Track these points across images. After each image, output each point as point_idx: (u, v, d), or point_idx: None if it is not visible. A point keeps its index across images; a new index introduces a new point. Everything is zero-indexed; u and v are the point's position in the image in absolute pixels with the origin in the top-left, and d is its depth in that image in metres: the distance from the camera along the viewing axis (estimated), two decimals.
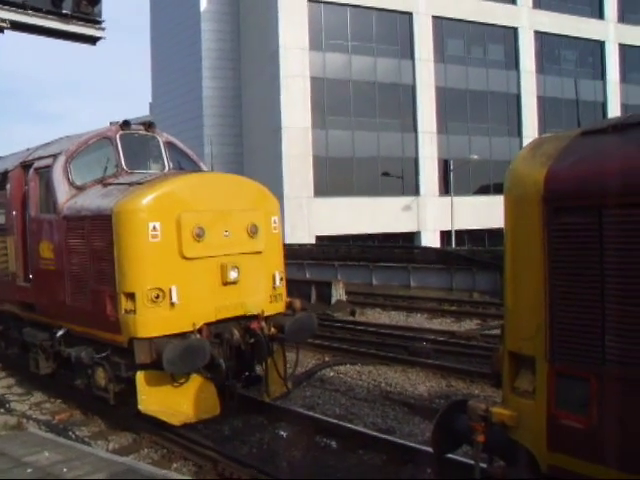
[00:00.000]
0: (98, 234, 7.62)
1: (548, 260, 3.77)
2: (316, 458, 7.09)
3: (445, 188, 40.15)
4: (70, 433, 7.94)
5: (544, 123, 43.55)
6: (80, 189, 8.40)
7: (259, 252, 8.10)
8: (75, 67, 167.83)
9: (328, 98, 37.88)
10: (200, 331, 7.32)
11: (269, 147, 38.20)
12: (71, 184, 8.45)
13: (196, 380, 7.46)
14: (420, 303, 18.88)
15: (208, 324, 7.51)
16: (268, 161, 37.70)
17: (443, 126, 40.93)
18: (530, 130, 42.20)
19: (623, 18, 47.40)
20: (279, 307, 8.39)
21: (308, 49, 37.46)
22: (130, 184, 7.70)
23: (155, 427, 7.64)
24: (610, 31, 46.85)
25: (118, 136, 8.71)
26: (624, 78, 47.74)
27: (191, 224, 7.34)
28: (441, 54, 41.36)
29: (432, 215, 39.98)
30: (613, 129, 3.84)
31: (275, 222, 8.50)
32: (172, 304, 7.17)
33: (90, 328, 7.87)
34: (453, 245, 36.81)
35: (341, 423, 7.86)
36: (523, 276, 4.00)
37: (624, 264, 3.47)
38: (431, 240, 38.90)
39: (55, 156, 8.73)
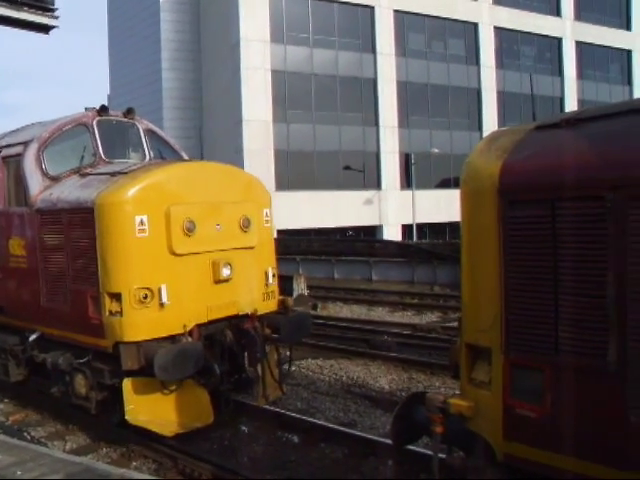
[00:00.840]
0: (78, 229, 7.02)
1: (503, 252, 3.82)
2: (278, 452, 7.07)
3: (407, 182, 40.48)
4: (25, 434, 7.70)
5: (503, 117, 44.26)
6: (55, 180, 7.72)
7: (252, 247, 7.59)
8: (30, 57, 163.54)
9: (289, 91, 37.74)
10: (191, 333, 6.82)
11: (230, 140, 37.89)
12: (45, 174, 7.75)
13: (188, 386, 6.94)
14: (381, 296, 19.01)
15: (199, 325, 7.00)
16: (229, 154, 37.38)
17: (404, 120, 41.22)
18: (490, 124, 42.80)
19: (579, 16, 48.41)
20: (272, 305, 7.89)
21: (269, 42, 37.23)
22: (112, 174, 7.10)
23: (113, 426, 7.44)
24: (567, 28, 47.81)
25: (95, 122, 8.08)
26: (581, 74, 48.81)
27: (181, 217, 6.79)
28: (402, 48, 41.61)
29: (394, 209, 40.27)
30: (566, 124, 3.91)
31: (267, 215, 7.98)
32: (161, 305, 6.62)
33: (68, 332, 7.26)
34: (414, 238, 37.17)
35: (303, 417, 7.86)
36: (479, 269, 4.06)
37: (576, 256, 3.53)
38: (393, 234, 39.21)
39: (26, 144, 7.99)
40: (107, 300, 6.64)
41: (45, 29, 9.86)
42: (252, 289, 7.61)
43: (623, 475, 3.37)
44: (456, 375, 4.52)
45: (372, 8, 40.32)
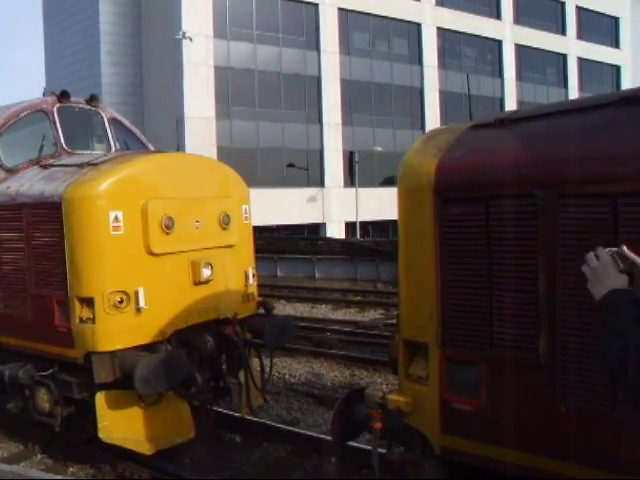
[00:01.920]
0: (42, 226, 6.35)
1: (439, 249, 3.89)
2: (220, 453, 6.99)
3: (350, 179, 40.76)
4: None
5: (446, 116, 45.11)
6: (11, 172, 7.03)
7: (231, 246, 7.03)
8: None
9: (232, 88, 37.41)
10: (169, 340, 6.23)
11: (171, 137, 37.24)
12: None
13: (167, 399, 6.30)
14: (325, 294, 19.04)
15: (177, 331, 6.39)
16: (170, 151, 36.76)
17: (348, 118, 41.49)
18: (432, 123, 43.56)
19: (519, 20, 49.83)
20: (252, 308, 7.36)
21: (212, 37, 36.81)
22: (80, 165, 6.43)
23: (48, 431, 7.20)
24: (507, 31, 49.13)
25: (55, 109, 7.38)
26: (520, 76, 50.28)
27: (159, 214, 6.19)
28: (346, 46, 41.86)
29: (337, 206, 40.49)
30: (500, 123, 4.00)
31: (246, 212, 7.45)
32: (138, 310, 5.99)
33: (29, 341, 6.56)
34: (358, 236, 37.48)
35: (245, 417, 7.80)
36: (416, 265, 4.11)
37: (508, 252, 3.62)
38: (336, 231, 39.42)
39: None
40: (77, 306, 5.98)
41: None
42: (232, 291, 7.07)
43: (557, 464, 3.48)
44: (396, 371, 4.56)
45: (316, 5, 40.41)
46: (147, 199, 6.17)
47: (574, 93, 52.08)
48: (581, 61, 53.63)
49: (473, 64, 47.96)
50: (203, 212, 6.73)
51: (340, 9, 41.21)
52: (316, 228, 39.84)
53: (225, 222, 6.92)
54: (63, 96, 7.51)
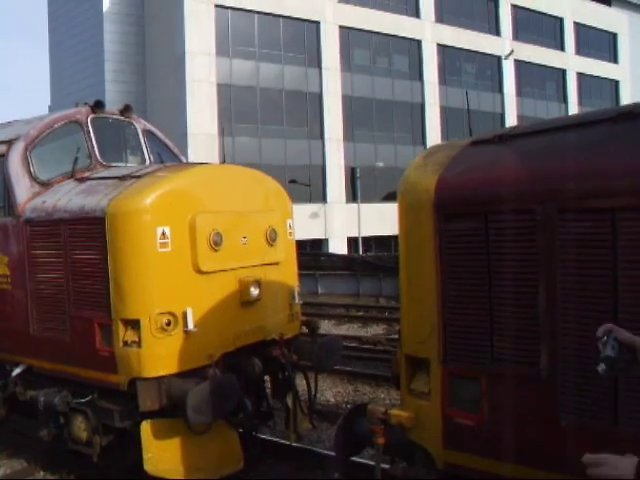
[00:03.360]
0: (82, 243, 5.92)
1: (440, 265, 3.89)
2: None
3: (352, 195, 40.84)
4: None
5: (446, 132, 45.27)
6: (45, 185, 6.63)
7: (277, 263, 6.65)
8: None
9: (235, 105, 37.65)
10: (217, 364, 5.81)
11: None
12: (33, 179, 6.63)
13: (216, 427, 5.90)
14: (327, 309, 19.05)
15: (225, 355, 6.01)
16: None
17: (350, 134, 41.66)
18: (433, 138, 43.70)
19: (518, 36, 50.19)
20: (296, 328, 6.94)
21: (215, 55, 37.12)
22: (121, 178, 6.08)
23: (51, 449, 7.00)
24: (506, 47, 49.46)
25: (89, 120, 7.05)
26: (520, 91, 50.52)
27: (207, 229, 5.83)
28: (348, 63, 42.15)
29: (339, 222, 40.53)
30: (499, 139, 4.04)
31: (290, 226, 7.04)
32: (186, 332, 5.59)
33: (66, 365, 6.10)
34: (360, 251, 37.47)
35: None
36: (417, 281, 4.12)
37: (508, 268, 3.65)
38: (339, 247, 39.42)
39: (9, 142, 6.77)
40: (121, 328, 5.57)
41: None
42: (278, 310, 6.67)
43: (558, 479, 3.48)
44: (398, 386, 4.57)
45: (317, 23, 40.74)
46: (194, 213, 5.81)
47: (574, 108, 52.29)
48: (580, 76, 53.89)
49: (473, 80, 48.22)
50: (250, 227, 6.37)
51: (341, 27, 41.55)
52: (319, 244, 39.85)
53: (272, 238, 6.57)
54: (97, 106, 7.22)
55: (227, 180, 6.41)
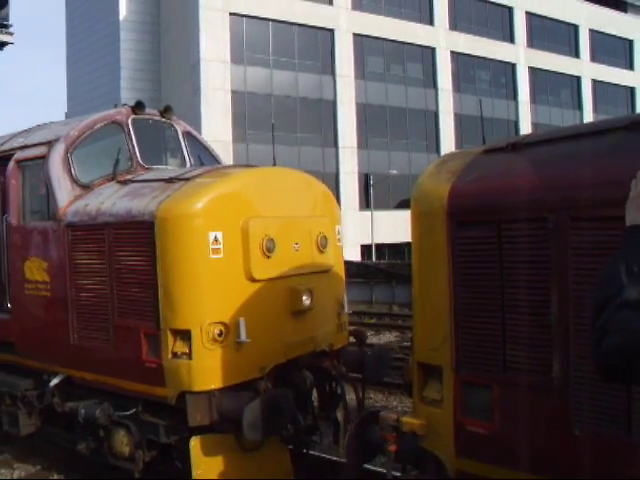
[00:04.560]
0: (128, 248, 5.66)
1: (452, 273, 3.90)
2: None
3: (365, 202, 40.83)
4: None
5: (461, 139, 45.18)
6: (86, 188, 6.39)
7: (327, 270, 6.38)
8: None
9: (249, 112, 37.84)
10: (268, 377, 5.57)
11: None
12: (74, 181, 6.37)
13: (269, 443, 5.65)
14: None
15: (276, 367, 5.74)
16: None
17: (363, 141, 41.69)
18: (447, 146, 43.61)
19: (532, 43, 50.05)
20: (344, 338, 6.69)
21: (229, 62, 37.37)
22: (169, 180, 5.81)
23: (66, 452, 7.08)
24: (520, 54, 49.32)
25: (130, 121, 6.85)
26: (534, 99, 50.31)
27: (260, 234, 5.55)
28: (361, 71, 42.22)
29: (353, 229, 40.45)
30: (512, 147, 4.04)
31: (339, 232, 6.76)
32: (238, 343, 5.31)
33: (108, 377, 5.84)
34: (373, 259, 37.42)
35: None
36: (429, 288, 4.12)
37: (521, 276, 3.64)
38: (352, 254, 39.32)
39: (50, 144, 6.52)
40: (170, 339, 5.29)
41: None
42: (327, 320, 6.38)
43: None
44: (411, 393, 4.57)
45: (332, 31, 40.88)
46: (247, 218, 5.54)
47: (589, 115, 51.96)
48: (595, 83, 53.58)
49: (487, 87, 48.10)
50: (301, 233, 6.09)
51: (355, 34, 41.67)
52: None
53: (323, 244, 6.29)
54: (138, 107, 7.02)
55: (279, 183, 6.16)
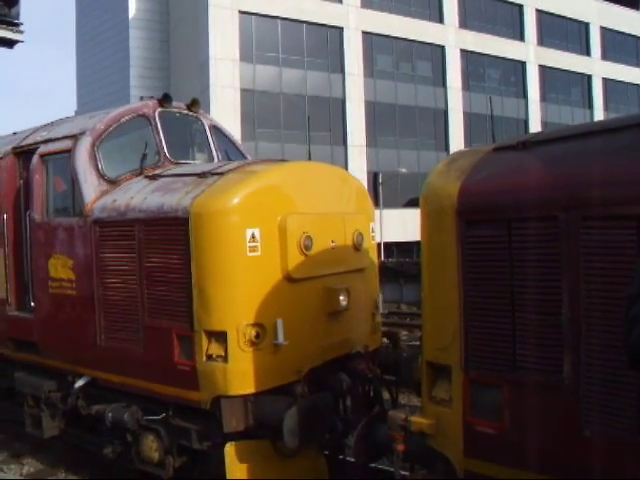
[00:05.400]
0: (160, 246, 5.42)
1: (462, 271, 3.89)
2: None
3: (374, 201, 40.60)
4: None
5: (470, 138, 44.99)
6: (113, 183, 6.19)
7: (362, 269, 6.21)
8: None
9: (258, 110, 37.86)
10: (304, 380, 5.38)
11: None
12: (101, 176, 6.17)
13: (306, 448, 5.43)
14: None
15: (312, 370, 5.52)
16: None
17: (372, 140, 41.62)
18: (457, 144, 43.45)
19: (542, 41, 49.76)
20: (378, 340, 6.52)
21: (239, 60, 37.40)
22: (201, 175, 5.57)
23: (74, 447, 7.09)
24: (530, 53, 49.05)
25: (157, 114, 6.66)
26: (544, 97, 50.03)
27: (298, 232, 5.34)
28: (370, 69, 42.13)
29: None
30: (522, 146, 4.01)
31: (373, 230, 6.57)
32: (276, 346, 5.11)
33: (138, 379, 5.63)
34: (382, 257, 37.36)
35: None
36: (439, 287, 4.11)
37: (531, 275, 3.62)
38: None
39: (75, 137, 6.33)
40: (204, 340, 5.09)
41: (10, 43, 9.73)
42: (362, 321, 6.20)
43: None
44: (419, 393, 4.56)
45: (341, 29, 40.82)
46: (285, 214, 5.33)
47: (599, 114, 51.61)
48: (606, 81, 53.19)
49: (497, 85, 47.86)
50: (338, 230, 5.90)
51: (364, 32, 41.58)
52: None
53: (359, 242, 6.10)
54: (165, 100, 6.83)
55: (315, 178, 5.95)
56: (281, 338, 5.09)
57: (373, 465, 5.88)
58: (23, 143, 7.15)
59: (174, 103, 6.97)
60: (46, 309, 6.56)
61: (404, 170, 39.43)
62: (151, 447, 5.66)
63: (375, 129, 41.75)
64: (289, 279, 5.33)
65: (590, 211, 3.38)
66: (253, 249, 5.12)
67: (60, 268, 6.29)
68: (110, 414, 5.84)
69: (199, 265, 5.09)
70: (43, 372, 6.77)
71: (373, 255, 6.53)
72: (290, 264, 5.32)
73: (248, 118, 37.49)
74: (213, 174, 5.54)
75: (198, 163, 6.82)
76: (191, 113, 7.18)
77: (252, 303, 5.11)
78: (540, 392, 3.61)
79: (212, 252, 5.07)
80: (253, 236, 5.13)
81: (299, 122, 39.04)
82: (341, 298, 5.75)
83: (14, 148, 7.19)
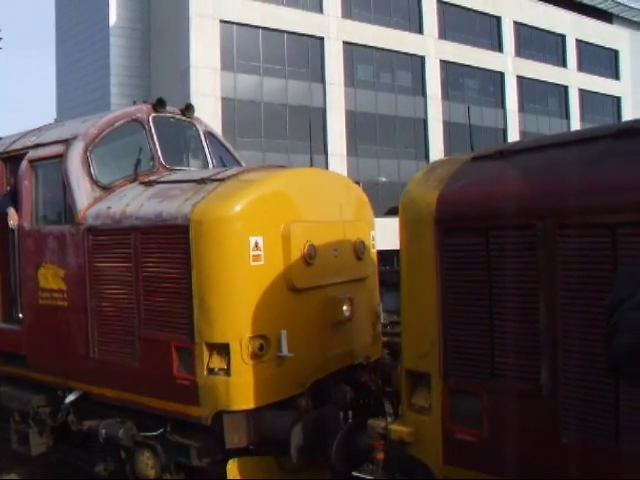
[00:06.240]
0: (159, 254, 5.22)
1: (440, 280, 3.91)
2: None
3: None
4: None
5: (449, 147, 45.34)
6: (106, 189, 5.98)
7: (364, 278, 6.09)
8: None
9: (239, 119, 37.82)
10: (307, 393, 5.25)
11: None
12: (94, 182, 5.96)
13: (312, 464, 5.28)
14: None
15: (316, 382, 5.40)
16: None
17: (353, 149, 41.74)
18: (436, 153, 43.73)
19: (520, 53, 50.46)
20: (379, 350, 6.41)
21: (220, 69, 37.37)
22: (200, 181, 5.39)
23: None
24: (509, 63, 49.67)
25: (151, 119, 6.49)
26: (522, 107, 50.63)
27: (301, 240, 5.20)
28: (351, 79, 42.32)
29: None
30: (500, 155, 4.06)
31: (373, 238, 6.47)
32: (279, 358, 4.95)
33: (134, 394, 5.39)
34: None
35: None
36: (418, 295, 4.13)
37: (509, 283, 3.65)
38: None
39: (67, 142, 6.10)
40: (205, 353, 4.89)
41: None
42: (364, 331, 6.08)
43: None
44: (399, 401, 4.56)
45: (321, 39, 40.98)
46: (288, 222, 5.17)
47: (576, 124, 52.35)
48: (582, 92, 54.01)
49: (476, 95, 48.34)
50: (340, 239, 5.76)
51: (345, 42, 41.79)
52: None
53: (361, 251, 5.98)
54: (159, 105, 6.65)
55: (317, 185, 5.81)
56: (285, 350, 4.93)
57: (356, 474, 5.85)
58: (10, 148, 6.93)
59: (168, 108, 6.81)
60: (35, 321, 6.32)
61: (384, 179, 39.61)
62: (147, 464, 5.45)
63: (355, 138, 41.89)
64: (292, 289, 5.18)
65: (567, 220, 3.42)
66: (256, 258, 4.96)
67: (50, 278, 6.05)
68: (104, 430, 5.61)
69: (200, 275, 4.90)
70: (31, 386, 6.50)
71: (374, 264, 6.40)
72: (294, 273, 5.17)
73: (229, 127, 37.40)
74: (213, 180, 5.37)
75: (193, 170, 6.67)
76: (185, 118, 7.04)
77: (255, 314, 4.93)
78: (518, 399, 3.63)
79: (214, 261, 4.88)
80: (256, 244, 4.97)
81: (280, 131, 39.10)
82: (344, 308, 5.64)
83: (1, 153, 6.98)
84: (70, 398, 5.96)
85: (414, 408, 4.17)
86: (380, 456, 4.35)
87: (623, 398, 3.20)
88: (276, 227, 5.12)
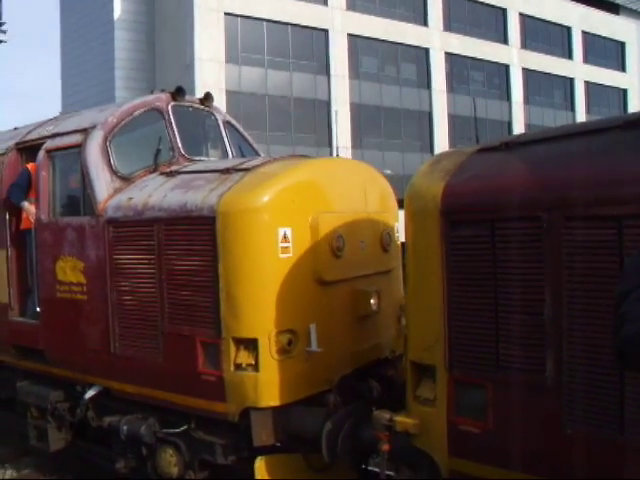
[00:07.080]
0: (183, 247, 5.07)
1: (446, 271, 3.91)
2: None
3: None
4: None
5: (454, 139, 45.21)
6: (126, 180, 5.84)
7: (390, 271, 5.94)
8: None
9: (244, 112, 37.73)
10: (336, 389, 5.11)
11: None
12: (114, 172, 5.82)
13: (340, 462, 5.09)
14: None
15: (343, 377, 5.25)
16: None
17: (358, 141, 41.69)
18: (441, 146, 43.60)
19: (525, 44, 50.19)
20: (401, 344, 5.93)
21: (224, 62, 37.32)
22: (225, 171, 5.22)
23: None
24: (514, 56, 49.44)
25: (170, 108, 6.34)
26: (527, 99, 50.43)
27: (330, 232, 5.06)
28: (356, 71, 42.21)
29: None
30: (506, 147, 4.05)
31: (398, 230, 6.22)
32: (308, 353, 4.83)
33: (156, 390, 5.27)
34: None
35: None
36: (423, 287, 4.13)
37: (514, 274, 3.65)
38: None
39: (86, 131, 5.96)
40: (232, 348, 4.76)
41: None
42: (390, 325, 5.93)
43: None
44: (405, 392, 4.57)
45: (326, 31, 40.86)
46: (316, 213, 5.03)
47: (581, 116, 52.10)
48: (588, 84, 53.74)
49: (481, 88, 48.16)
50: (368, 230, 5.62)
51: (350, 35, 41.65)
52: None
53: (387, 243, 5.82)
54: (178, 93, 6.49)
55: (345, 175, 5.65)
56: (314, 345, 4.81)
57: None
58: (27, 138, 6.79)
59: (187, 97, 6.67)
60: (54, 315, 6.17)
61: (389, 172, 39.46)
62: (170, 462, 5.33)
63: (360, 131, 41.83)
64: (321, 282, 5.06)
65: (572, 211, 3.42)
66: (285, 250, 4.82)
67: (69, 271, 5.91)
68: (125, 427, 5.50)
69: (227, 267, 4.76)
70: (48, 381, 6.41)
71: (399, 257, 6.18)
72: (322, 266, 5.05)
73: (234, 120, 37.38)
74: (238, 170, 5.20)
75: (213, 160, 6.53)
76: (204, 108, 6.89)
77: (284, 308, 4.79)
78: (523, 391, 3.64)
79: (242, 253, 4.74)
80: (285, 236, 4.82)
81: (285, 124, 39.05)
82: (372, 301, 5.50)
83: (17, 144, 6.83)
84: (90, 394, 5.87)
85: (419, 400, 4.20)
86: (385, 448, 4.36)
87: (628, 390, 3.20)
88: (304, 218, 4.98)
